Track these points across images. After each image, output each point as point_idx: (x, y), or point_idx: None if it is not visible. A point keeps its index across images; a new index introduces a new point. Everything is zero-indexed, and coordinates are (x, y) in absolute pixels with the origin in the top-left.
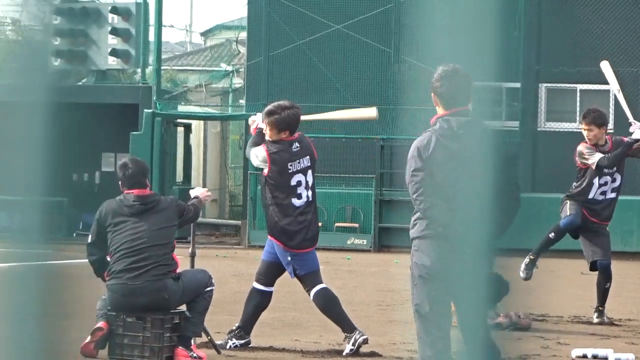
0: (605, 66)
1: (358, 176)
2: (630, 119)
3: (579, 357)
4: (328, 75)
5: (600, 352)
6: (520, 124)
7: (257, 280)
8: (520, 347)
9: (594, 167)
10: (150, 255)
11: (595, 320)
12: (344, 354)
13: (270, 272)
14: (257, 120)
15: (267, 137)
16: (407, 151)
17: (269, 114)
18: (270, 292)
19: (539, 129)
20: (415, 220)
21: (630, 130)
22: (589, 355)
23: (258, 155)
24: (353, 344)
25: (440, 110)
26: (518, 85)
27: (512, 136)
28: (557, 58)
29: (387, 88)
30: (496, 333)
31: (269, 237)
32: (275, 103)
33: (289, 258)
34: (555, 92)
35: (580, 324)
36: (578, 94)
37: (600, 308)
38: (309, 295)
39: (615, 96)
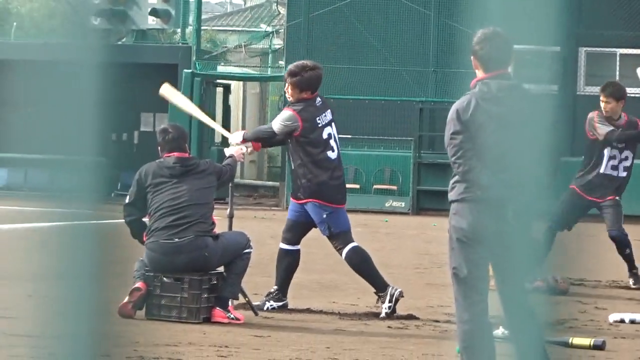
0: None
1: (396, 139)
2: None
3: (616, 321)
4: (368, 37)
5: (638, 317)
6: (559, 88)
7: (283, 240)
8: (558, 311)
9: (601, 137)
10: (191, 214)
11: (633, 285)
12: (380, 316)
13: (297, 231)
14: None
15: (288, 98)
16: (446, 114)
17: (292, 74)
18: (298, 251)
19: (578, 93)
20: (453, 183)
21: None
22: (627, 320)
23: (284, 118)
24: (390, 300)
25: (480, 74)
26: (558, 49)
27: (552, 100)
28: (597, 22)
29: (427, 50)
30: (534, 297)
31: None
32: (298, 63)
33: (325, 215)
34: (594, 56)
35: (619, 288)
36: (618, 58)
37: (634, 271)
38: (341, 253)
39: None
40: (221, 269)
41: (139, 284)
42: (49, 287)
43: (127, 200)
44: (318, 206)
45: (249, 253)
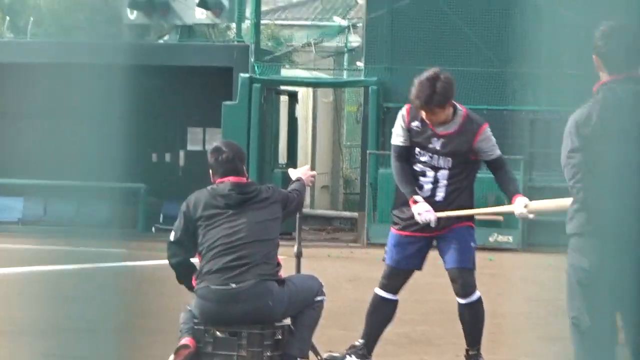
0: None
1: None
2: None
3: None
4: (465, 31)
5: None
6: None
7: (382, 286)
8: None
9: None
10: (251, 253)
11: None
12: None
13: (403, 277)
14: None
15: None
16: (563, 127)
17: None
18: (397, 302)
19: None
20: (573, 212)
21: None
22: None
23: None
24: None
25: (604, 76)
26: None
27: None
28: None
29: (539, 47)
30: None
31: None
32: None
33: (473, 244)
34: None
35: None
36: None
37: None
38: (465, 299)
39: None
40: (287, 320)
41: (186, 340)
42: (69, 343)
43: (171, 237)
44: (473, 231)
45: (322, 301)
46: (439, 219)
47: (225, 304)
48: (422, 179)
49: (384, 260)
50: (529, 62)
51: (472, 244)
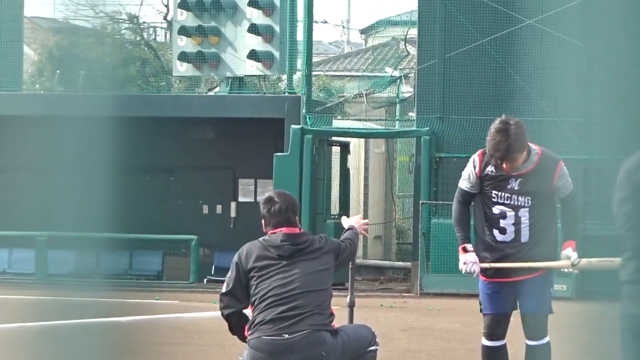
0: None
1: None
2: None
3: None
4: (518, 81)
5: None
6: None
7: (493, 337)
8: None
9: None
10: (304, 303)
11: None
12: None
13: (507, 322)
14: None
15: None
16: (616, 175)
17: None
18: (505, 345)
19: None
20: (625, 260)
21: None
22: None
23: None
24: None
25: None
26: None
27: None
28: None
29: (592, 95)
30: None
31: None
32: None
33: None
34: None
35: None
36: None
37: None
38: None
39: None
40: None
41: None
42: None
43: (224, 289)
44: (552, 276)
45: (375, 351)
46: (514, 254)
47: (278, 355)
48: (502, 221)
49: (481, 311)
50: (580, 111)
51: (550, 289)
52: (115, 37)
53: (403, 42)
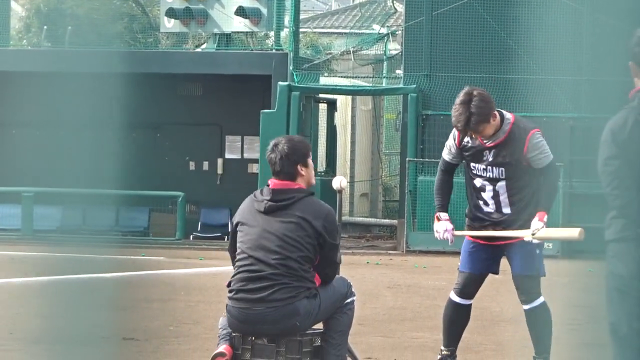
0: None
1: None
2: None
3: None
4: (506, 40)
5: None
6: None
7: (462, 294)
8: None
9: None
10: (279, 269)
11: None
12: None
13: (480, 283)
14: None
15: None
16: (601, 134)
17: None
18: (470, 305)
19: None
20: (610, 219)
21: None
22: None
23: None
24: None
25: (639, 83)
26: None
27: None
28: None
29: (581, 54)
30: None
31: None
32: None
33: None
34: None
35: None
36: None
37: None
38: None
39: None
40: (320, 325)
41: (223, 348)
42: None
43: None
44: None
45: (352, 303)
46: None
47: (250, 324)
48: (483, 194)
49: (458, 267)
50: (568, 69)
51: (538, 251)
52: None
53: (391, 0)
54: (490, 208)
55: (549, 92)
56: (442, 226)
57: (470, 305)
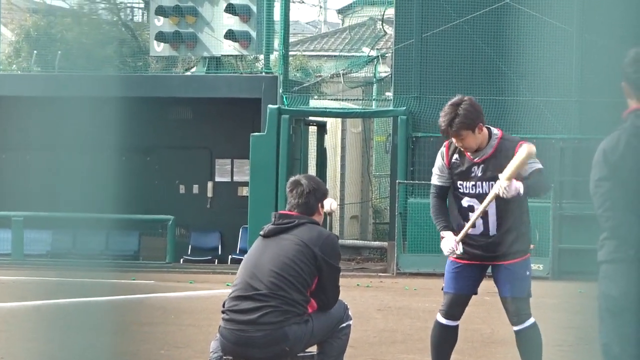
0: None
1: None
2: None
3: None
4: (496, 62)
5: None
6: None
7: (448, 316)
8: None
9: None
10: (272, 291)
11: None
12: None
13: (465, 304)
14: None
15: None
16: (593, 155)
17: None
18: (457, 327)
19: None
20: (602, 240)
21: None
22: None
23: None
24: None
25: (632, 103)
26: None
27: None
28: None
29: (570, 76)
30: None
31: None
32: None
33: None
34: None
35: None
36: None
37: None
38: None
39: None
40: (314, 349)
41: None
42: None
43: None
44: (529, 260)
45: (348, 327)
46: (485, 246)
47: (241, 347)
48: (472, 215)
49: (442, 289)
50: (558, 90)
51: (527, 273)
52: (92, 17)
53: (380, 22)
54: (477, 230)
55: (538, 113)
56: (447, 243)
57: (457, 326)
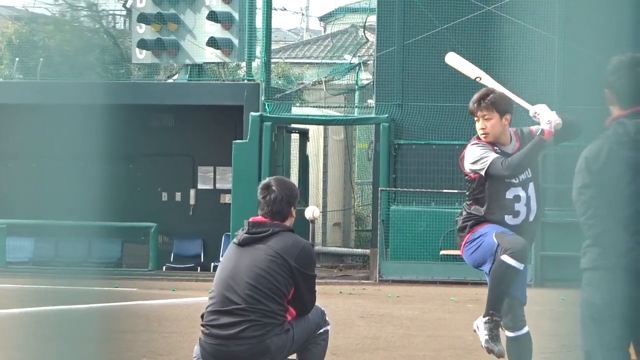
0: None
1: None
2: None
3: None
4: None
5: None
6: None
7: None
8: None
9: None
10: (249, 302)
11: None
12: None
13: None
14: None
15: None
16: (575, 162)
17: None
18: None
19: None
20: (585, 247)
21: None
22: None
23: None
24: None
25: (615, 111)
26: None
27: None
28: None
29: (552, 83)
30: None
31: None
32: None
33: None
34: None
35: None
36: None
37: None
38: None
39: None
40: (293, 356)
41: None
42: None
43: None
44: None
45: (326, 333)
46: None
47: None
48: (517, 205)
49: (496, 249)
50: (540, 98)
51: (525, 277)
52: (74, 24)
53: (362, 29)
54: (519, 219)
55: (520, 120)
56: (549, 111)
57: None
